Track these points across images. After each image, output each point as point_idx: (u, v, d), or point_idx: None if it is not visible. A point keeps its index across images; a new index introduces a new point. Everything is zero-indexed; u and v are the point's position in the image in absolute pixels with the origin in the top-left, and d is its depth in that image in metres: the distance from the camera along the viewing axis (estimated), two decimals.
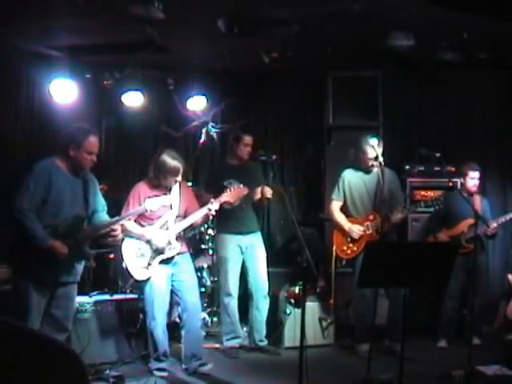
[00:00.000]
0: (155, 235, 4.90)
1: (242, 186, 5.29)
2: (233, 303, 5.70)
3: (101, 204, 4.50)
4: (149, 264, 4.90)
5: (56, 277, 4.19)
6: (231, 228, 5.69)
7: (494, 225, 5.84)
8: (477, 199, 6.02)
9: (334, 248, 5.82)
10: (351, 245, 5.68)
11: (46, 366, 1.45)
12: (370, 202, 5.66)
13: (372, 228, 5.58)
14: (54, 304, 4.24)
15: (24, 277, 4.11)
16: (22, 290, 4.09)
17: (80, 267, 4.37)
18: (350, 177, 5.77)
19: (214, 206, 4.97)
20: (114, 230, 4.38)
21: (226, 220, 5.66)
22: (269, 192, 5.62)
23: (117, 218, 4.49)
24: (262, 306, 5.78)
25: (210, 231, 6.45)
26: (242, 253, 5.73)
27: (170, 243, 4.92)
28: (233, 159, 5.82)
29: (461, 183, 6.07)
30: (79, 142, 4.21)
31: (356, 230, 5.62)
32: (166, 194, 4.99)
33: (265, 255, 5.82)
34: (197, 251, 6.27)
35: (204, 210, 4.97)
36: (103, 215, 4.49)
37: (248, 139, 5.74)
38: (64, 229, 4.18)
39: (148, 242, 4.92)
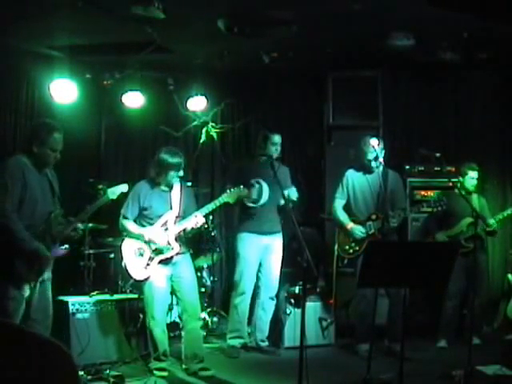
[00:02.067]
0: (155, 234, 4.90)
1: (266, 186, 5.41)
2: (244, 303, 5.68)
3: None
4: (147, 264, 4.90)
5: (36, 277, 4.10)
6: (253, 227, 5.66)
7: (493, 221, 5.86)
8: (474, 197, 6.03)
9: (336, 247, 5.82)
10: (353, 244, 5.68)
11: (36, 362, 1.45)
12: (373, 202, 5.67)
13: (374, 228, 5.58)
14: (32, 308, 4.14)
15: (6, 278, 3.99)
16: (4, 292, 3.98)
17: (52, 262, 4.28)
18: (354, 176, 5.78)
19: (199, 219, 4.93)
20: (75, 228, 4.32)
21: (248, 219, 5.65)
22: (295, 195, 5.58)
23: (81, 213, 4.39)
24: (268, 307, 5.78)
25: (210, 231, 6.45)
26: (261, 253, 5.71)
27: (169, 243, 4.92)
28: (262, 159, 5.76)
29: (459, 182, 6.08)
30: (43, 139, 4.10)
31: (358, 231, 5.62)
32: (167, 192, 5.00)
33: (281, 257, 5.80)
34: (197, 251, 6.27)
35: (192, 222, 4.93)
36: None
37: (277, 138, 5.72)
38: (43, 227, 4.12)
39: (147, 241, 4.92)
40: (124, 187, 4.69)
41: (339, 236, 5.81)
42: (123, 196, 5.05)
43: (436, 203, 5.56)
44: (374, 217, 5.61)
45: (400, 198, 5.75)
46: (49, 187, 4.23)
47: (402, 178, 6.32)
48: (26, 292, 4.08)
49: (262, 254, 5.72)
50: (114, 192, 4.59)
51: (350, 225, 5.68)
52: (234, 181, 5.75)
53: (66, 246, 4.29)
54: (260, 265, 5.74)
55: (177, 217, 4.99)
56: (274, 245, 5.76)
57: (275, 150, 5.70)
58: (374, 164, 5.57)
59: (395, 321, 5.48)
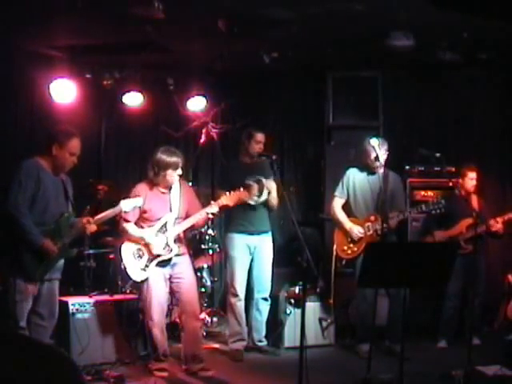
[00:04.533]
0: (153, 241, 4.89)
1: (264, 181, 5.41)
2: (239, 304, 5.66)
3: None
4: (146, 265, 4.89)
5: (43, 274, 4.31)
6: (240, 227, 5.63)
7: (499, 220, 5.83)
8: (474, 199, 6.02)
9: (335, 247, 5.82)
10: (352, 245, 5.67)
11: (38, 370, 1.45)
12: (373, 203, 5.66)
13: (372, 229, 5.57)
14: (39, 303, 4.35)
15: (14, 274, 4.19)
16: (12, 287, 4.16)
17: (61, 264, 4.50)
18: (355, 176, 5.77)
19: (214, 209, 4.96)
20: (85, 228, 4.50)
21: (235, 219, 5.63)
22: (271, 186, 5.57)
23: (96, 217, 4.55)
24: (262, 308, 5.76)
25: (210, 231, 6.44)
26: (251, 253, 5.70)
27: (168, 245, 4.91)
28: (245, 157, 5.76)
29: (458, 183, 6.08)
30: (63, 142, 4.36)
31: (356, 230, 5.62)
32: (166, 193, 4.99)
33: (271, 257, 5.78)
34: (197, 251, 6.26)
35: (203, 213, 4.96)
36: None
37: (260, 136, 5.68)
38: (53, 225, 4.33)
39: (147, 244, 4.91)
40: (139, 201, 4.76)
41: (337, 236, 5.80)
42: (123, 197, 5.06)
43: (434, 205, 5.53)
44: (372, 218, 5.61)
45: (399, 200, 5.73)
46: (62, 190, 4.48)
47: (402, 178, 6.33)
48: (33, 289, 4.26)
49: (252, 255, 5.70)
50: (128, 204, 4.68)
51: (349, 225, 5.68)
52: (220, 182, 5.77)
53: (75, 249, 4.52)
54: (251, 266, 5.72)
55: (176, 218, 4.98)
56: (264, 245, 5.74)
57: (259, 149, 5.67)
58: (376, 164, 5.56)
59: (395, 321, 5.48)
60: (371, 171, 5.67)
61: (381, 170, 5.58)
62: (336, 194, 5.84)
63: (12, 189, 4.23)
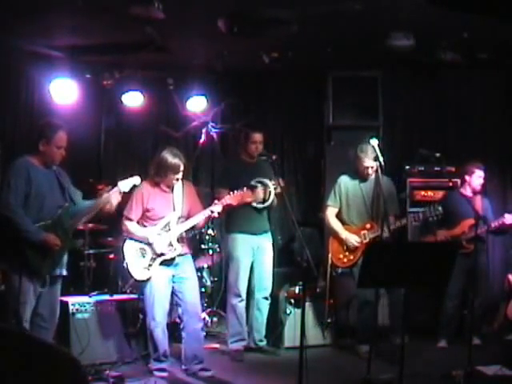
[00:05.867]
0: (157, 240, 4.88)
1: (270, 184, 5.44)
2: (241, 304, 5.65)
3: (77, 194, 4.61)
4: (149, 265, 4.89)
5: (50, 270, 4.32)
6: (243, 227, 5.62)
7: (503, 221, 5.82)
8: (478, 199, 5.99)
9: (330, 255, 5.76)
10: (347, 253, 5.63)
11: (45, 370, 1.45)
12: (366, 210, 5.62)
13: (369, 237, 5.55)
14: (40, 303, 4.33)
15: (18, 272, 4.17)
16: (17, 286, 4.14)
17: (65, 259, 4.48)
18: (347, 183, 5.74)
19: (217, 208, 4.96)
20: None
21: (237, 219, 5.61)
22: (272, 189, 5.55)
23: (95, 201, 4.56)
24: (263, 308, 5.76)
25: (210, 231, 6.44)
26: (253, 253, 5.69)
27: (171, 244, 4.91)
28: (245, 156, 5.75)
29: (463, 182, 6.05)
30: (49, 137, 4.35)
31: (353, 240, 5.57)
32: (169, 192, 4.99)
33: (272, 257, 5.78)
34: (197, 251, 6.26)
35: (206, 212, 4.96)
36: (83, 202, 4.60)
37: (256, 137, 5.66)
38: (52, 220, 4.31)
39: (150, 243, 4.91)
40: (136, 180, 4.71)
41: (333, 245, 5.75)
42: (123, 196, 5.05)
43: (431, 212, 5.50)
44: (368, 226, 5.59)
45: (393, 205, 5.65)
46: (57, 183, 4.46)
47: (402, 178, 6.31)
48: (37, 287, 4.26)
49: (254, 255, 5.70)
50: (126, 184, 4.64)
51: (345, 234, 5.64)
52: (220, 180, 5.75)
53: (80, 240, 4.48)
54: (252, 266, 5.71)
55: (179, 217, 4.98)
56: (265, 245, 5.74)
57: (255, 149, 5.65)
58: (369, 172, 5.54)
59: (397, 319, 5.47)
60: (363, 178, 5.64)
61: (373, 175, 5.55)
62: (329, 203, 5.81)
63: (2, 190, 4.24)
